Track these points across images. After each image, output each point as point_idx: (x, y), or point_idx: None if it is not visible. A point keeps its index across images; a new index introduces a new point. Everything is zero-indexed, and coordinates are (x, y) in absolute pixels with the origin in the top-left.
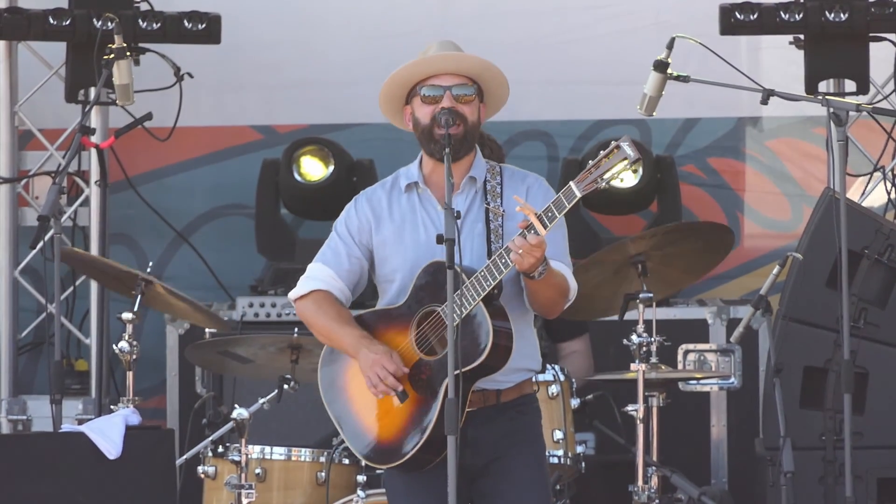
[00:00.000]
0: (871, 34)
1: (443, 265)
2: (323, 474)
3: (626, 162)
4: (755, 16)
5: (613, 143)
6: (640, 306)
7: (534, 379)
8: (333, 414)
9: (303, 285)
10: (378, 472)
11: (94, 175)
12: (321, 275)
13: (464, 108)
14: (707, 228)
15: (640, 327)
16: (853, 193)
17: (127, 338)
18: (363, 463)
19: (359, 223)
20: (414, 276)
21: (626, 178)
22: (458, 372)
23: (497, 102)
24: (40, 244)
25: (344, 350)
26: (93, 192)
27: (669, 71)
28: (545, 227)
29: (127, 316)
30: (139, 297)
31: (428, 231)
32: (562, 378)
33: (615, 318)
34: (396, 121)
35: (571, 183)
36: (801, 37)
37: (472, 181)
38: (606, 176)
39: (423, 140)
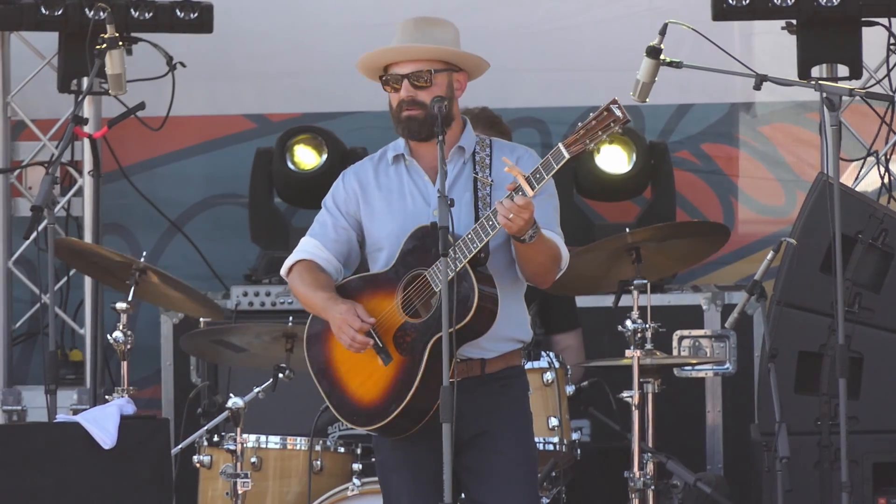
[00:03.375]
0: (863, 18)
1: (429, 230)
2: (318, 463)
3: (615, 124)
4: (747, 1)
5: (603, 106)
6: (635, 293)
7: (528, 363)
8: (319, 382)
9: (290, 259)
10: (373, 458)
11: (88, 165)
12: (306, 246)
13: (422, 94)
14: (702, 228)
15: (635, 314)
16: (847, 178)
17: (121, 327)
18: (358, 451)
19: (345, 195)
20: (401, 243)
21: (613, 161)
22: (451, 330)
23: (474, 70)
24: (34, 235)
25: (317, 314)
26: (86, 183)
27: (662, 57)
28: (533, 188)
29: (121, 306)
30: (133, 286)
31: (415, 200)
32: (556, 365)
33: (610, 304)
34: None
35: (560, 144)
36: (794, 22)
37: (461, 151)
38: (595, 138)
39: (394, 124)
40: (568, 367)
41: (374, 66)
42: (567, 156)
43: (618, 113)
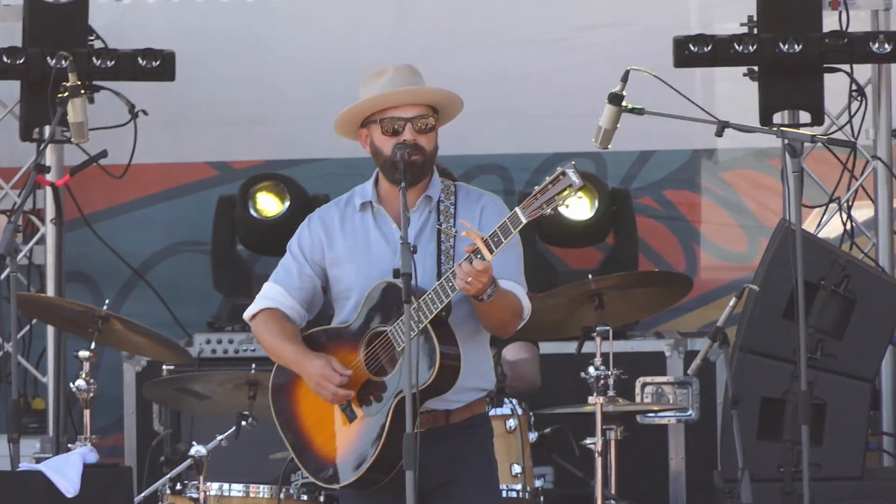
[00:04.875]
0: (825, 65)
1: (391, 286)
2: None
3: (570, 189)
4: (709, 48)
5: (559, 170)
6: (598, 339)
7: (488, 405)
8: (285, 435)
9: (254, 305)
10: None
11: (50, 213)
12: (271, 293)
13: (422, 139)
14: (666, 277)
15: (598, 360)
16: (809, 225)
17: (84, 376)
18: (321, 499)
19: (311, 241)
20: (366, 292)
21: (576, 207)
22: (413, 392)
23: (448, 118)
24: None
25: (287, 366)
26: (48, 231)
27: (624, 104)
28: (491, 252)
29: (84, 354)
30: (96, 334)
31: (380, 248)
32: (519, 412)
33: (572, 351)
34: (350, 137)
35: (517, 209)
36: (756, 68)
37: (428, 200)
38: (551, 203)
39: (384, 169)
40: (531, 413)
41: (362, 113)
42: (524, 220)
43: (573, 178)
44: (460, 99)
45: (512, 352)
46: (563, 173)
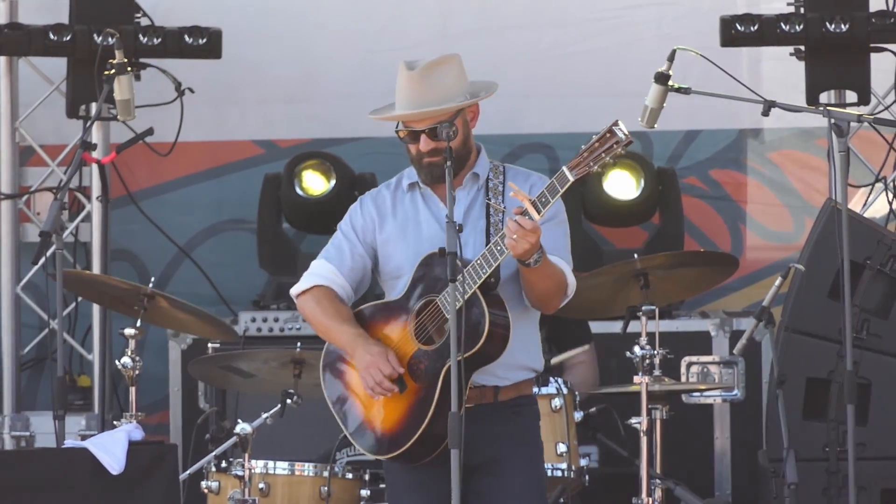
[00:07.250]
0: (871, 45)
1: (438, 256)
2: (326, 489)
3: (617, 145)
4: (755, 27)
5: (605, 128)
6: (643, 318)
7: (535, 389)
8: (333, 403)
9: (304, 281)
10: (381, 485)
11: (96, 190)
12: (323, 271)
13: (441, 144)
14: (711, 257)
15: (643, 340)
16: (855, 204)
17: (129, 353)
18: (366, 477)
19: (363, 222)
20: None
21: (622, 186)
22: (459, 358)
23: (486, 96)
24: (42, 260)
25: (341, 347)
26: (94, 208)
27: (671, 83)
28: (539, 212)
29: (129, 331)
30: (142, 312)
31: (430, 227)
32: (565, 391)
33: (618, 330)
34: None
35: (564, 168)
36: (802, 48)
37: (475, 178)
38: (598, 160)
39: (415, 168)
40: (577, 393)
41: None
42: (571, 179)
43: (620, 134)
44: (474, 101)
45: (573, 358)
46: (611, 130)
